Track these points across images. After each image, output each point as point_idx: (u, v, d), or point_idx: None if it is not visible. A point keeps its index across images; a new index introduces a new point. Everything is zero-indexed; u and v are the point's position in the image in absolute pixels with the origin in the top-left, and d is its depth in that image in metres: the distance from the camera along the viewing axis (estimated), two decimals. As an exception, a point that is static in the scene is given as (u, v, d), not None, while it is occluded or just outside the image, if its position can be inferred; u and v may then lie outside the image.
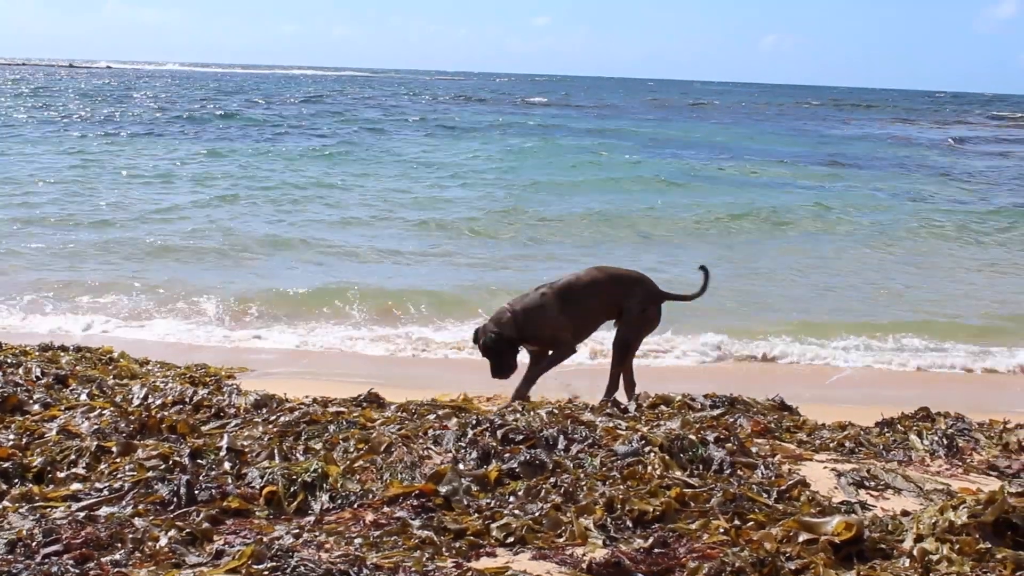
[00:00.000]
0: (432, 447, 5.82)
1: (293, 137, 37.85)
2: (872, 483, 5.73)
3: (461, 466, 5.45)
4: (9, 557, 4.17)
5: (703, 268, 8.20)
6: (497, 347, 7.47)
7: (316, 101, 65.93)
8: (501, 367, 7.57)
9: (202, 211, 19.76)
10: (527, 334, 7.55)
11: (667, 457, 5.69)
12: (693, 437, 6.00)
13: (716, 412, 7.00)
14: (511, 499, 5.04)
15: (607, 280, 7.89)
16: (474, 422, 6.17)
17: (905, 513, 5.02)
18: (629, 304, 7.83)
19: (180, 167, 26.89)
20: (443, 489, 5.01)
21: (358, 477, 5.25)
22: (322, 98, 70.55)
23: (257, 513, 4.78)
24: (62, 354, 8.38)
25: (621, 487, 5.23)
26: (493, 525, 4.71)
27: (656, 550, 4.56)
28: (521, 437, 5.91)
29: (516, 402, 7.16)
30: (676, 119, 62.17)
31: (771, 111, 79.46)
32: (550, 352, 7.76)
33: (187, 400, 6.44)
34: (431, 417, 6.51)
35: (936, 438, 6.68)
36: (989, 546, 4.43)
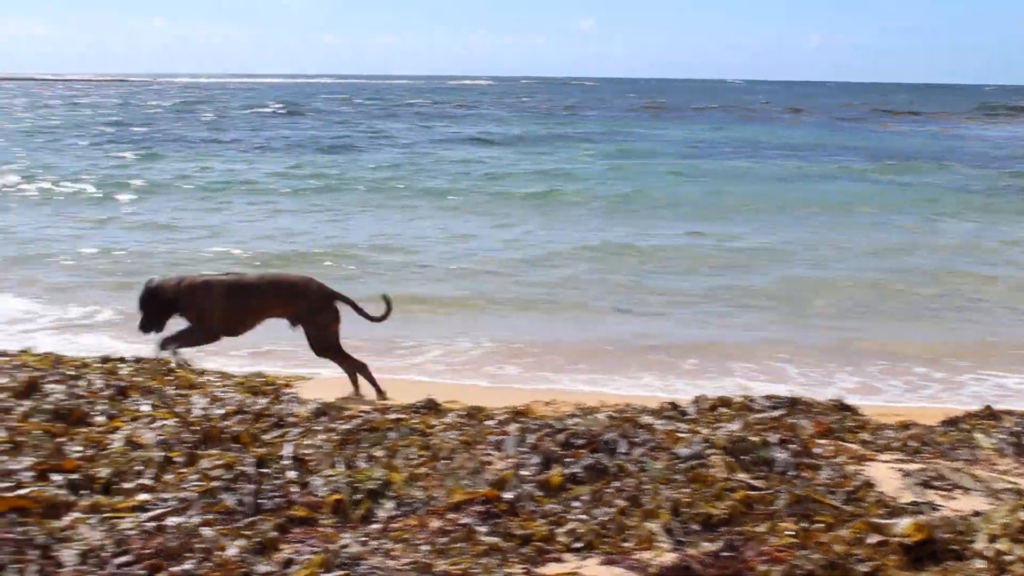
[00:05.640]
0: (493, 452, 5.82)
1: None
2: (939, 483, 5.65)
3: (523, 471, 5.43)
4: (82, 567, 4.20)
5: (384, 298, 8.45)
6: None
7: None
8: (147, 322, 8.17)
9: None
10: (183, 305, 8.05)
11: (730, 459, 5.65)
12: (755, 439, 5.96)
13: (777, 413, 6.94)
14: (575, 504, 5.02)
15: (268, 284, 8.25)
16: (534, 427, 6.16)
17: (976, 513, 4.94)
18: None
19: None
20: (507, 495, 5.00)
21: (421, 484, 5.25)
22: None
23: (322, 521, 4.77)
24: (120, 365, 8.44)
25: (685, 490, 5.19)
26: (559, 530, 4.69)
27: (724, 554, 4.53)
28: (582, 441, 5.89)
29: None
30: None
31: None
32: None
33: (247, 410, 6.46)
34: (490, 423, 6.51)
35: (1003, 436, 6.58)
36: (1065, 546, 4.36)
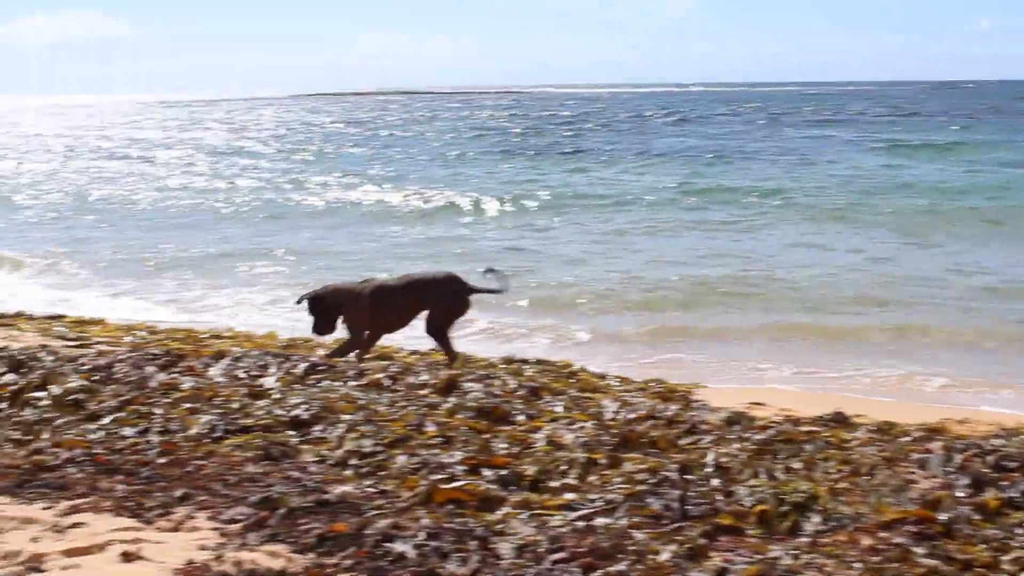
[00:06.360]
0: (916, 471, 5.58)
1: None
2: None
3: (954, 492, 5.16)
4: (519, 560, 4.38)
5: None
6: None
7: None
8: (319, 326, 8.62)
9: None
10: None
11: None
12: None
13: None
14: (1019, 531, 4.71)
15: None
16: (958, 446, 5.86)
17: None
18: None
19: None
20: (942, 516, 4.77)
21: (843, 499, 5.10)
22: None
23: (749, 531, 4.73)
24: (524, 367, 8.76)
25: None
26: (1003, 558, 4.42)
27: None
28: (1015, 464, 5.54)
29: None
30: None
31: None
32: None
33: (659, 415, 6.51)
34: (905, 439, 6.26)
35: None
36: None
